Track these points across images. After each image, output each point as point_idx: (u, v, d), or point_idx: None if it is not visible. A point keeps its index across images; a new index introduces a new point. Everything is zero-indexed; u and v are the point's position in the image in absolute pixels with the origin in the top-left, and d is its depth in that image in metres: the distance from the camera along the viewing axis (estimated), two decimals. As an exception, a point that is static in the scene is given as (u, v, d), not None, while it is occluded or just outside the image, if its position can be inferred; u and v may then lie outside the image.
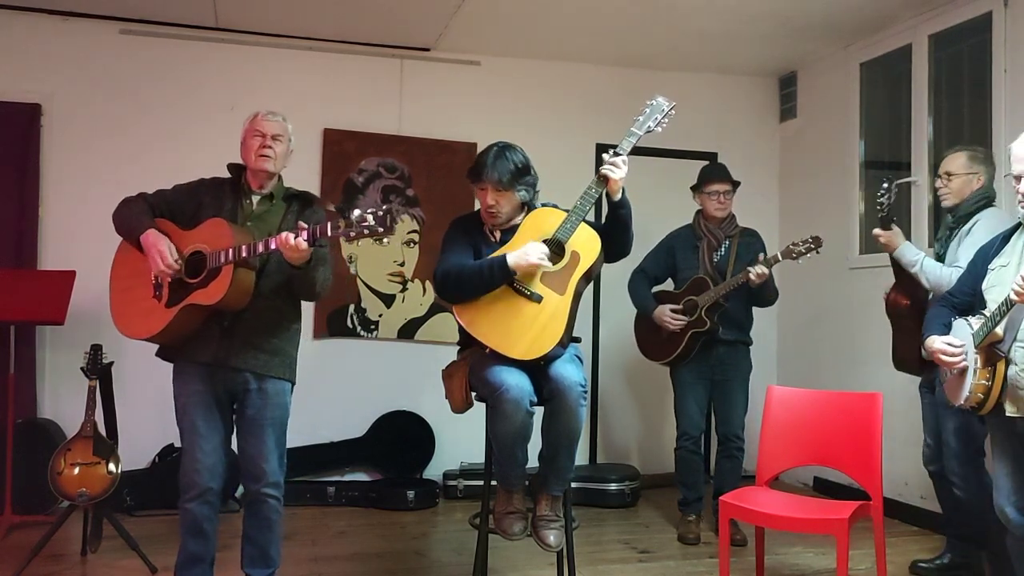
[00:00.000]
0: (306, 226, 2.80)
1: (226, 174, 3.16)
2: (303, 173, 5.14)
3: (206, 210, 3.03)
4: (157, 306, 2.95)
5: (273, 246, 2.83)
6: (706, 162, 5.53)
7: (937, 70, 4.73)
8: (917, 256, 3.54)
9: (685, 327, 4.23)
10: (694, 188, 4.45)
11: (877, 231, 3.63)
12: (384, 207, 2.73)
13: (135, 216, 3.00)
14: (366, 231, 2.71)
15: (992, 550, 3.37)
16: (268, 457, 3.02)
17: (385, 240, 2.73)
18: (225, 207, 3.04)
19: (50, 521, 3.88)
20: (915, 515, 4.58)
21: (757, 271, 4.05)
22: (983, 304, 2.70)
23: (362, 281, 5.29)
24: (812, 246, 4.06)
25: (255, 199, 3.10)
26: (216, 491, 3.02)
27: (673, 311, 4.25)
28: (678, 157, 5.52)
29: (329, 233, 2.78)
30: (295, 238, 2.77)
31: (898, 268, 3.66)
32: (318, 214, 3.11)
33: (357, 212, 2.72)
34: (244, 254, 2.84)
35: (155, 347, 3.07)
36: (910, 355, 3.63)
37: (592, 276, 3.02)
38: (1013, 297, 2.45)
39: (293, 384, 3.12)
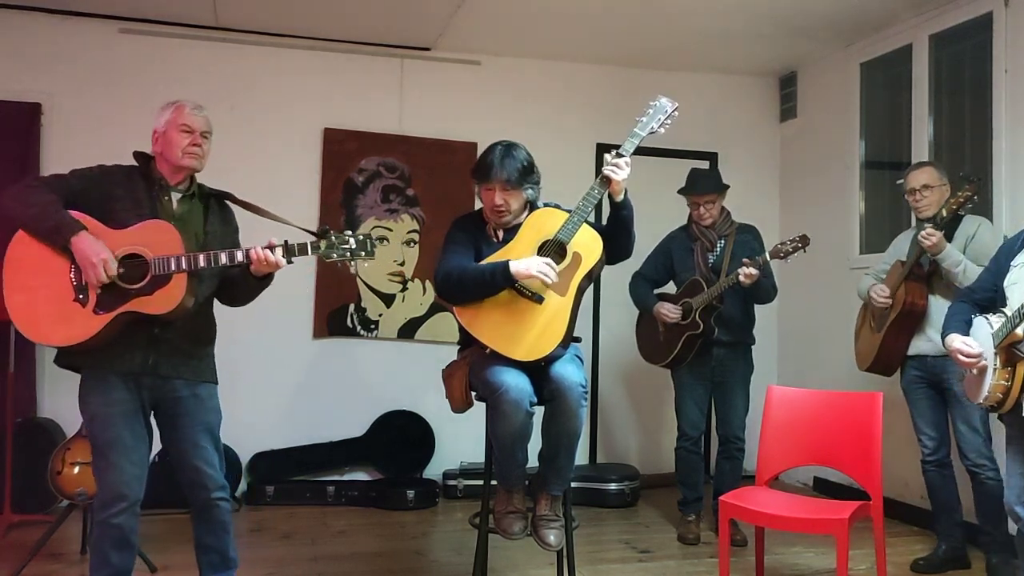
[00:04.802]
0: (277, 242, 2.74)
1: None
2: (303, 173, 5.19)
3: (119, 203, 2.78)
4: (81, 310, 2.70)
5: (240, 258, 2.73)
6: (706, 163, 5.54)
7: (937, 70, 4.72)
8: (961, 257, 3.56)
9: (679, 330, 4.22)
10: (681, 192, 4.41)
11: (931, 230, 3.55)
12: (362, 235, 2.79)
13: (52, 212, 2.69)
14: (348, 254, 2.74)
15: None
16: (212, 462, 2.92)
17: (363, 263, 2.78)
18: (142, 203, 2.81)
19: (49, 520, 3.88)
20: (915, 515, 4.58)
21: (746, 272, 4.01)
22: (1004, 300, 2.70)
23: (362, 281, 5.28)
24: (799, 244, 4.02)
25: (174, 196, 2.88)
26: (140, 501, 2.81)
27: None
28: (678, 157, 5.51)
29: (309, 253, 2.73)
30: (272, 255, 2.71)
31: (916, 271, 3.71)
32: (233, 218, 3.04)
33: (335, 235, 2.75)
34: (202, 264, 2.71)
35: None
36: (896, 355, 3.84)
37: (593, 277, 3.02)
38: None
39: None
